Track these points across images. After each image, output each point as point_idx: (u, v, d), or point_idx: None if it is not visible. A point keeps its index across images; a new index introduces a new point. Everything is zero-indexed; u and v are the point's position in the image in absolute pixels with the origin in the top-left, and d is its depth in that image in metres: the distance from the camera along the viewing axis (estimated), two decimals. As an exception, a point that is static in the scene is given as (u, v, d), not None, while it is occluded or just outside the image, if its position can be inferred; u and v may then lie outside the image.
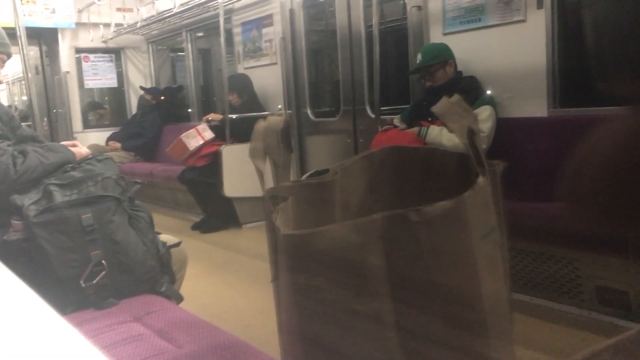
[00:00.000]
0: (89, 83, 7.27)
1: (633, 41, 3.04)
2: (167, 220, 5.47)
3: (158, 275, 1.94)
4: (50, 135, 7.18)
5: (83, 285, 1.74)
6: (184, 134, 4.94)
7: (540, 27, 3.05)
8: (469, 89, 3.13)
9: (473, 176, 0.91)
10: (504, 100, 3.22)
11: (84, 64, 7.15)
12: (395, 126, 3.43)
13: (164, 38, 7.03)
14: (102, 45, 7.12)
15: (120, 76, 7.44)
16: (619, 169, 0.70)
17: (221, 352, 1.43)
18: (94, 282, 1.75)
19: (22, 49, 3.73)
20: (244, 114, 4.88)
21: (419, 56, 3.33)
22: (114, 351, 1.47)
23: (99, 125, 7.43)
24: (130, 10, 6.70)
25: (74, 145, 2.14)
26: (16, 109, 10.46)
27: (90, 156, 1.99)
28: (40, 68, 7.32)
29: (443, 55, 3.28)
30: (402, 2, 4.24)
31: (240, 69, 5.62)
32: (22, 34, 3.70)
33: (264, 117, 1.11)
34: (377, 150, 1.16)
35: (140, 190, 6.15)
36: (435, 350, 0.83)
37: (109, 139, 6.80)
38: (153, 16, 6.24)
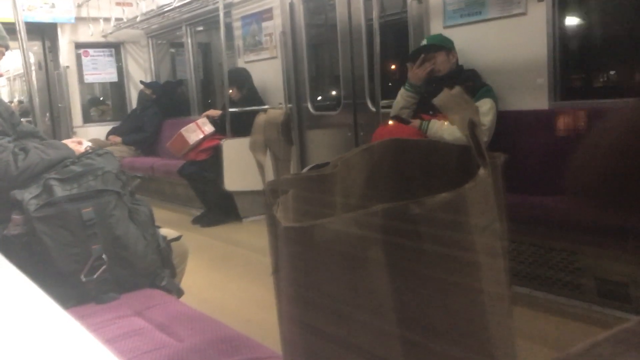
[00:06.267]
0: (89, 78, 7.26)
1: (634, 33, 3.03)
2: (167, 215, 5.48)
3: (159, 269, 1.94)
4: (53, 130, 7.18)
5: (84, 279, 1.74)
6: (184, 128, 4.94)
7: (540, 20, 3.04)
8: (470, 82, 3.13)
9: (474, 168, 0.91)
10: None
11: (83, 59, 7.15)
12: (397, 116, 3.40)
13: (163, 32, 7.02)
14: (102, 39, 7.10)
15: (120, 71, 7.43)
16: (622, 161, 0.70)
17: (222, 346, 1.43)
18: (95, 276, 1.76)
19: (22, 44, 3.72)
20: (244, 108, 4.88)
21: (424, 41, 3.37)
22: (115, 345, 1.47)
23: (100, 120, 7.43)
24: (130, 4, 6.68)
25: (80, 142, 2.14)
26: (21, 102, 10.42)
27: (90, 150, 1.99)
28: (43, 63, 7.31)
29: (447, 44, 3.30)
30: (402, -5, 4.23)
31: (241, 63, 5.61)
32: (21, 29, 3.69)
33: (264, 110, 1.11)
34: (378, 143, 1.15)
35: (141, 184, 6.13)
36: (435, 342, 0.83)
37: (109, 133, 6.80)
38: (153, 10, 6.23)
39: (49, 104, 7.27)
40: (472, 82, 3.14)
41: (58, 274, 1.73)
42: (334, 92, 5.17)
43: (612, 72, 3.35)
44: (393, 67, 3.27)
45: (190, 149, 4.92)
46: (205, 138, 4.95)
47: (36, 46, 7.16)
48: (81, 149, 2.07)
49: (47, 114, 7.24)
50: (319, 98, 5.24)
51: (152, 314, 1.69)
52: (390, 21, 4.60)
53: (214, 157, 4.84)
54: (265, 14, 5.23)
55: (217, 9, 5.01)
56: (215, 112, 5.30)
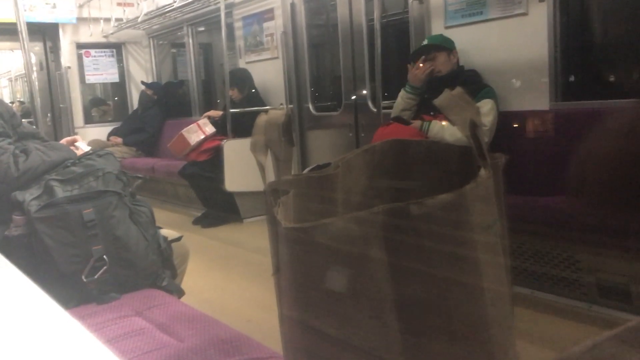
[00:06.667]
0: (90, 78, 7.26)
1: (636, 33, 3.03)
2: (168, 215, 5.48)
3: (159, 270, 1.94)
4: (54, 131, 7.18)
5: (85, 280, 1.75)
6: (185, 129, 4.94)
7: (542, 20, 3.04)
8: (471, 82, 3.12)
9: (475, 169, 0.91)
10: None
11: (85, 59, 7.14)
12: (399, 118, 3.40)
13: (165, 33, 7.02)
14: (103, 40, 7.10)
15: (121, 71, 7.43)
16: (622, 161, 0.70)
17: (223, 346, 1.43)
18: (96, 277, 1.76)
19: (24, 44, 3.71)
20: (245, 109, 4.89)
21: (425, 41, 3.36)
22: (116, 345, 1.48)
23: (101, 121, 7.44)
24: (131, 4, 6.68)
25: (75, 141, 2.14)
26: (22, 103, 10.43)
27: (91, 151, 1.99)
28: (44, 64, 7.32)
29: (448, 44, 3.29)
30: (403, -5, 4.23)
31: (242, 64, 5.61)
32: (23, 29, 3.69)
33: (266, 111, 1.11)
34: (379, 144, 1.15)
35: (142, 185, 6.16)
36: (436, 341, 0.83)
37: (111, 134, 6.80)
38: (154, 11, 6.23)
39: (50, 104, 7.27)
40: (473, 83, 3.14)
41: (59, 275, 1.74)
42: (334, 93, 5.17)
43: (614, 73, 3.34)
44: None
45: (191, 149, 4.92)
46: (206, 139, 4.95)
47: (37, 46, 7.17)
48: (78, 150, 2.06)
49: (49, 115, 7.24)
50: (320, 98, 5.24)
51: (153, 314, 1.69)
52: (392, 21, 4.60)
53: (215, 158, 4.84)
54: (267, 15, 5.23)
55: (218, 10, 5.01)
56: (216, 113, 5.30)
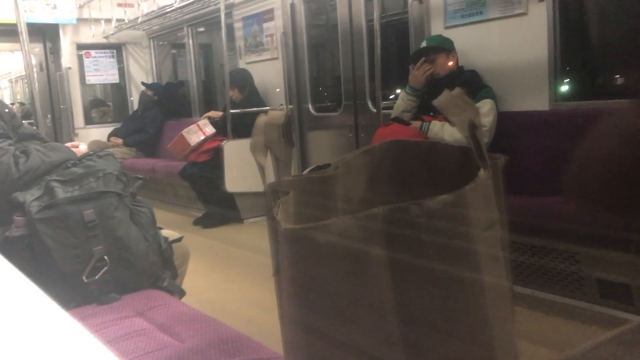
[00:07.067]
0: (91, 79, 7.26)
1: (636, 33, 3.03)
2: (168, 216, 5.48)
3: (160, 271, 1.94)
4: (54, 132, 7.19)
5: (85, 280, 1.75)
6: (185, 130, 4.94)
7: (541, 20, 3.04)
8: (470, 83, 3.12)
9: (475, 170, 0.91)
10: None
11: (85, 60, 7.15)
12: (398, 118, 3.40)
13: (165, 33, 7.03)
14: (104, 41, 7.11)
15: (121, 72, 7.43)
16: (621, 162, 0.70)
17: (223, 346, 1.43)
18: (96, 277, 1.76)
19: (24, 45, 3.71)
20: (245, 109, 4.89)
21: (424, 43, 3.35)
22: (116, 346, 1.48)
23: (101, 122, 7.44)
24: (131, 5, 6.69)
25: (78, 146, 2.15)
26: (22, 104, 10.44)
27: (91, 152, 1.99)
28: (45, 65, 7.32)
29: (447, 45, 3.29)
30: (403, -5, 4.23)
31: (242, 64, 5.62)
32: (23, 30, 3.69)
33: (265, 112, 1.11)
34: (378, 145, 1.15)
35: (142, 185, 6.17)
36: (436, 342, 0.83)
37: (111, 134, 6.80)
38: (154, 11, 6.24)
39: (50, 105, 7.28)
40: (472, 83, 3.14)
41: (60, 275, 1.74)
42: (334, 93, 5.17)
43: (614, 73, 3.35)
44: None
45: (192, 150, 4.92)
46: (207, 139, 4.95)
47: (37, 47, 7.17)
48: (82, 150, 2.07)
49: (49, 116, 7.25)
50: (320, 99, 5.24)
51: (154, 315, 1.69)
52: (391, 21, 4.60)
53: (215, 159, 4.85)
54: (267, 15, 5.24)
55: (218, 10, 5.01)
56: (216, 114, 5.31)
